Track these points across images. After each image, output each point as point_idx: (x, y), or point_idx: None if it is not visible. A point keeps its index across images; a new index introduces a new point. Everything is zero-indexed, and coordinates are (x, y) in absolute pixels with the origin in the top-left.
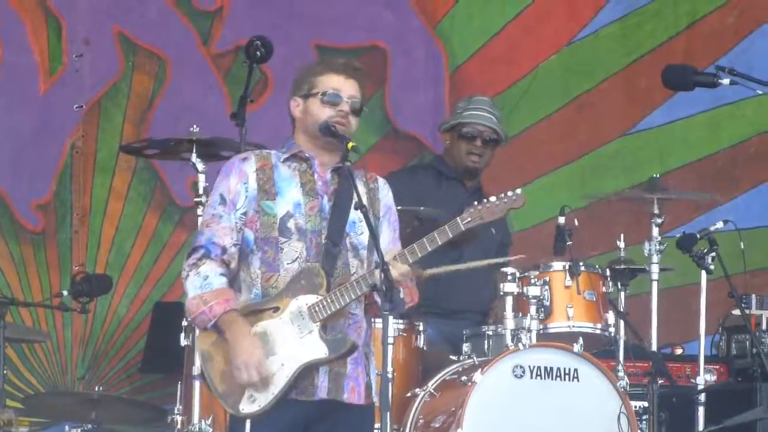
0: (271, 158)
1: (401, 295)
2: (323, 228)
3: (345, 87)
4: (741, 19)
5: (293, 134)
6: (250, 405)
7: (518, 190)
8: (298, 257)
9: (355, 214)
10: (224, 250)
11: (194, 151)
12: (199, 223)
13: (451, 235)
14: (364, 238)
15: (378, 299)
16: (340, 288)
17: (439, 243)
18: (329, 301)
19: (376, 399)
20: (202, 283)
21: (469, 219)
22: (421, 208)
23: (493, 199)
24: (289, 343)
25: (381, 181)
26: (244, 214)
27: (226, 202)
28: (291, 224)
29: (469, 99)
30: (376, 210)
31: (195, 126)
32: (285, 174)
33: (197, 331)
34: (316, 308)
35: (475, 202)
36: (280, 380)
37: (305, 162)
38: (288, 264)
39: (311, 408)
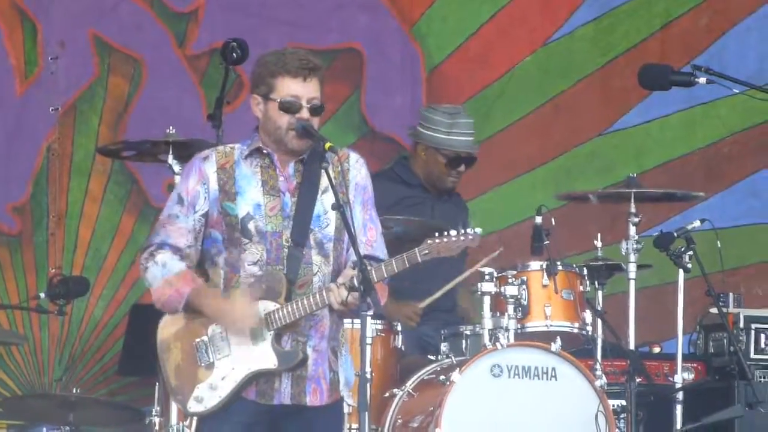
0: (234, 154)
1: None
2: (285, 228)
3: (303, 91)
4: (715, 20)
5: (257, 129)
6: (196, 404)
7: (477, 230)
8: (258, 259)
9: (320, 206)
10: (179, 250)
11: (171, 152)
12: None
13: (407, 265)
14: (330, 230)
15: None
16: (299, 299)
17: (396, 271)
18: (286, 311)
19: (344, 392)
20: (162, 270)
21: (427, 251)
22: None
23: (453, 233)
24: (242, 347)
25: (353, 158)
26: (204, 215)
27: (185, 203)
28: (251, 226)
29: (452, 115)
30: (347, 193)
31: (171, 128)
32: (246, 171)
33: (161, 321)
34: (273, 317)
35: (436, 234)
36: (229, 384)
37: (267, 157)
38: (249, 266)
39: (274, 412)
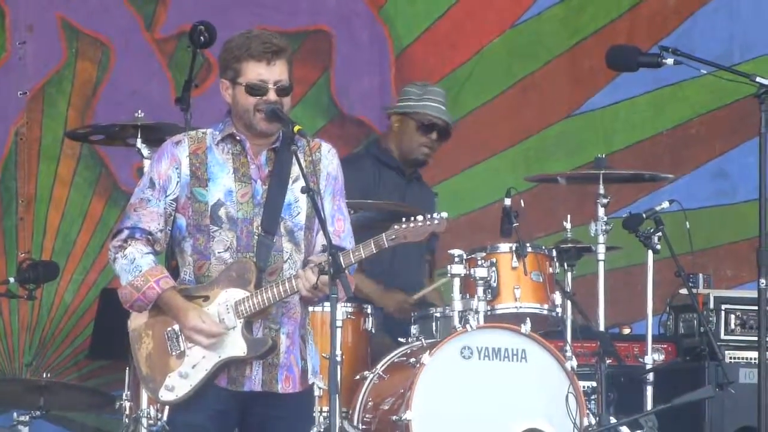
0: (206, 140)
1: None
2: (256, 215)
3: (269, 74)
4: (682, 1)
5: (229, 113)
6: (167, 393)
7: (444, 214)
8: (229, 246)
9: (291, 195)
10: (150, 234)
11: (139, 136)
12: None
13: (375, 251)
14: (301, 218)
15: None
16: (268, 287)
17: (363, 256)
18: (255, 299)
19: (313, 379)
20: (130, 268)
21: (394, 236)
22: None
23: (419, 218)
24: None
25: (325, 148)
26: (175, 200)
27: (156, 186)
28: (222, 213)
29: (423, 86)
30: (318, 182)
31: (140, 111)
32: (219, 158)
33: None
34: (242, 305)
35: (403, 219)
36: (199, 372)
37: (239, 144)
38: (219, 253)
39: (245, 398)
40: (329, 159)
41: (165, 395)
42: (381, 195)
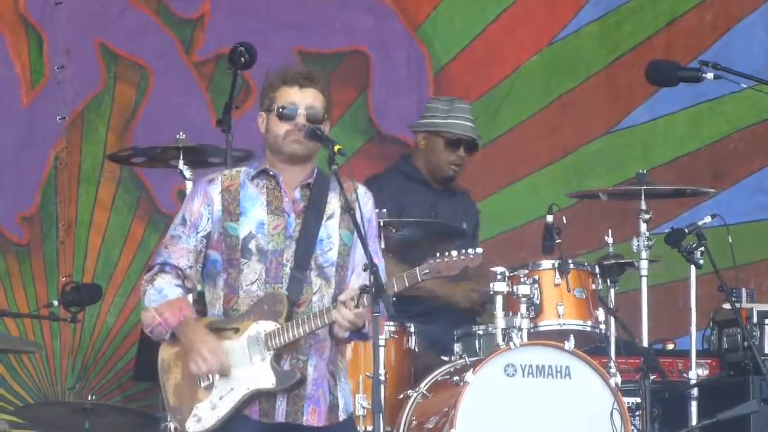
0: (240, 177)
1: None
2: (286, 247)
3: (300, 99)
4: (719, 16)
5: (264, 151)
6: (195, 424)
7: (479, 250)
8: (257, 279)
9: (324, 231)
10: (179, 269)
11: (181, 157)
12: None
13: (407, 284)
14: (332, 254)
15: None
16: (299, 320)
17: (396, 290)
18: (286, 330)
19: (342, 416)
20: (157, 297)
21: (428, 271)
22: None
23: (454, 253)
24: (242, 367)
25: (360, 190)
26: (206, 236)
27: (187, 223)
28: (252, 245)
29: (450, 102)
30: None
31: (181, 133)
32: (252, 193)
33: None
34: (272, 336)
35: (437, 254)
36: (227, 403)
37: (273, 179)
38: (247, 286)
39: (270, 430)
40: (364, 201)
41: (192, 426)
42: (408, 208)
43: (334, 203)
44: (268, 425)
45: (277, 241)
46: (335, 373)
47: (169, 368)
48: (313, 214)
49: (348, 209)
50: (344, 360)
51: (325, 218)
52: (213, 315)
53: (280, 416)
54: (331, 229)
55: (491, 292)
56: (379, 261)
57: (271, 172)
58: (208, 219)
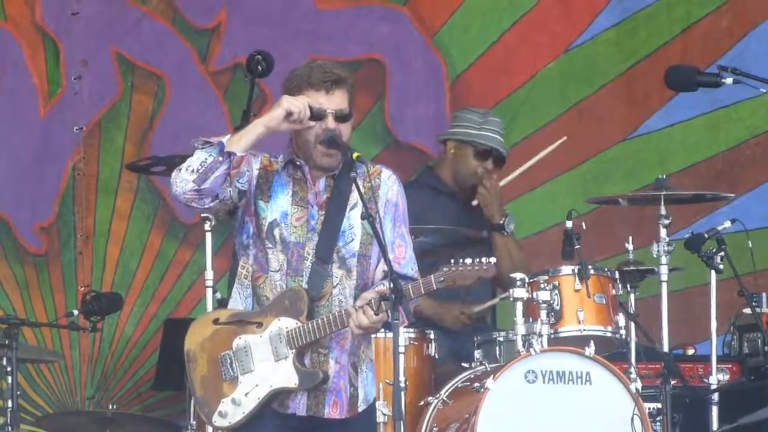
0: (276, 165)
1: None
2: (308, 240)
3: (328, 102)
4: (735, 22)
5: (289, 142)
6: (221, 419)
7: (492, 259)
8: (279, 268)
9: (347, 221)
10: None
11: None
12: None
13: (423, 292)
14: (354, 245)
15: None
16: (320, 319)
17: (412, 297)
18: (307, 330)
19: (363, 406)
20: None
21: (443, 278)
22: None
23: (467, 261)
24: (265, 364)
25: (385, 175)
26: (244, 186)
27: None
28: (276, 233)
29: (484, 115)
30: (376, 208)
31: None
32: (283, 180)
33: (189, 329)
34: (294, 335)
35: (452, 261)
36: (252, 401)
37: (299, 170)
38: (272, 271)
39: (292, 421)
40: (389, 185)
41: (218, 421)
42: (436, 221)
43: (357, 193)
44: (290, 419)
45: (299, 233)
46: (357, 364)
47: (195, 358)
48: (336, 205)
49: (368, 216)
50: (368, 349)
51: (348, 208)
52: (240, 291)
53: (301, 409)
54: (354, 219)
55: (485, 306)
56: (407, 246)
57: (297, 162)
58: (247, 171)
